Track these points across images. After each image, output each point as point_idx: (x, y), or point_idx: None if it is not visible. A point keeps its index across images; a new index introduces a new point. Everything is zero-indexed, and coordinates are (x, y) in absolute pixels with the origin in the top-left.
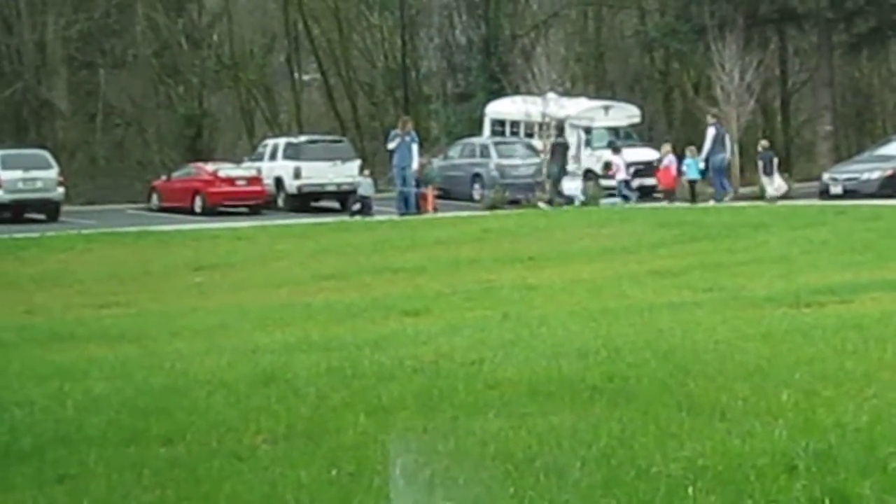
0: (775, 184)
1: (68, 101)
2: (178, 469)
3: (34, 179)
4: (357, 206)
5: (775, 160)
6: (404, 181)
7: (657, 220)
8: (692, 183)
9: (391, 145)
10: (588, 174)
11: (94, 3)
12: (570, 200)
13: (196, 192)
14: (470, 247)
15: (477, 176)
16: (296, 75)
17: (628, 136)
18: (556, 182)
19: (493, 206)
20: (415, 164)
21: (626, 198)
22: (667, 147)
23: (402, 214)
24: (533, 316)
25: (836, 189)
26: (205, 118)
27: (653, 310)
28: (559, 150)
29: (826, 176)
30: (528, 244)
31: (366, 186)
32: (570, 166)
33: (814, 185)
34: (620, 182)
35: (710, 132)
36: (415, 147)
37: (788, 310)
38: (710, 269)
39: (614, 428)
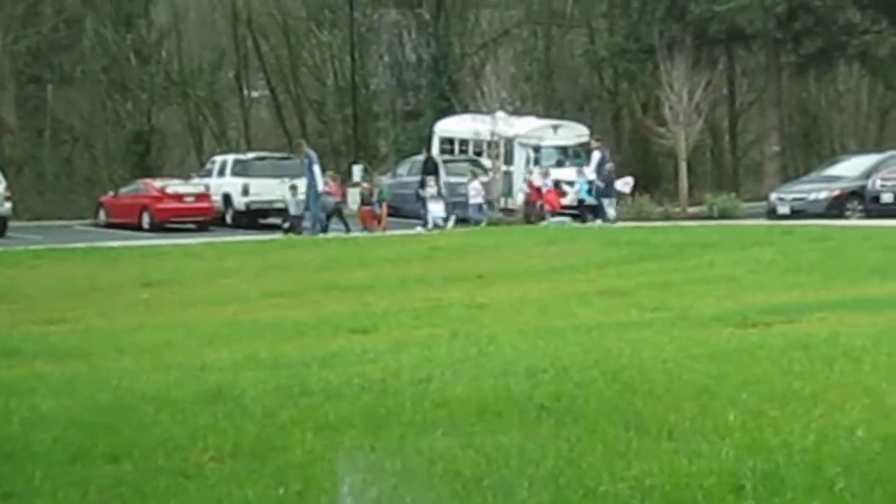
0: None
1: (16, 116)
2: (124, 487)
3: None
4: (286, 225)
5: (628, 182)
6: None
7: (605, 239)
8: (581, 203)
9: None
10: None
11: (42, 18)
12: (434, 223)
13: (144, 208)
14: (418, 265)
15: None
16: (244, 92)
17: (577, 155)
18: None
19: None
20: (319, 185)
21: (478, 221)
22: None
23: (311, 234)
24: (481, 334)
25: (784, 209)
26: (153, 134)
27: (601, 329)
28: (429, 168)
29: (773, 196)
30: (477, 262)
31: (293, 205)
32: (430, 188)
33: (761, 205)
34: (475, 206)
35: (596, 155)
36: (316, 168)
37: (735, 329)
38: (658, 288)
39: (562, 447)
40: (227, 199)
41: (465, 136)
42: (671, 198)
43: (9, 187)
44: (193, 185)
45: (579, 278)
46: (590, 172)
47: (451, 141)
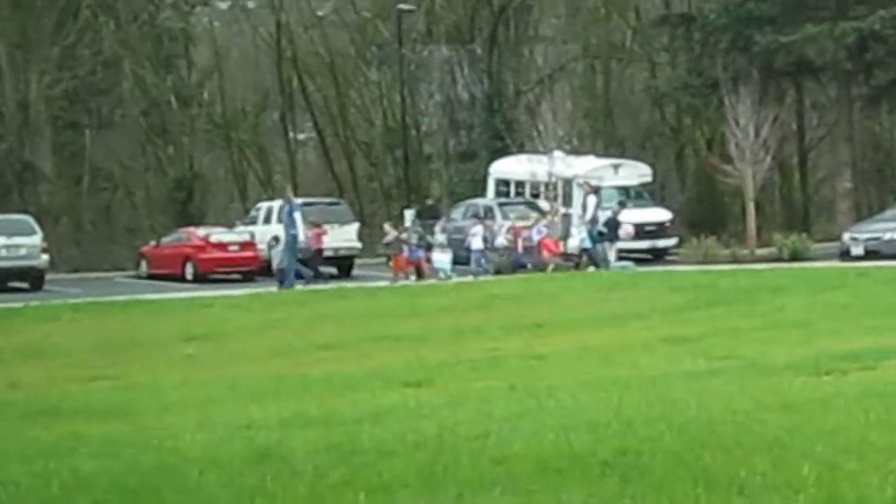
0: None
1: (53, 163)
2: None
3: (17, 246)
4: (280, 276)
5: (629, 231)
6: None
7: (670, 284)
8: (586, 251)
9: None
10: (601, 236)
11: (78, 61)
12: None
13: (187, 258)
14: (474, 314)
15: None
16: (290, 134)
17: (639, 195)
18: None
19: (498, 272)
20: (300, 234)
21: (484, 270)
22: (536, 215)
23: (289, 286)
24: (541, 386)
25: (858, 250)
26: (195, 180)
27: (666, 379)
28: (427, 215)
29: (846, 236)
30: (535, 310)
31: (277, 258)
32: (439, 236)
33: (834, 246)
34: (477, 252)
35: (591, 200)
36: (297, 215)
37: (808, 378)
38: (727, 335)
39: None
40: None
41: (521, 177)
42: (738, 239)
43: (45, 238)
44: (238, 234)
45: (643, 326)
46: (584, 219)
47: (506, 183)
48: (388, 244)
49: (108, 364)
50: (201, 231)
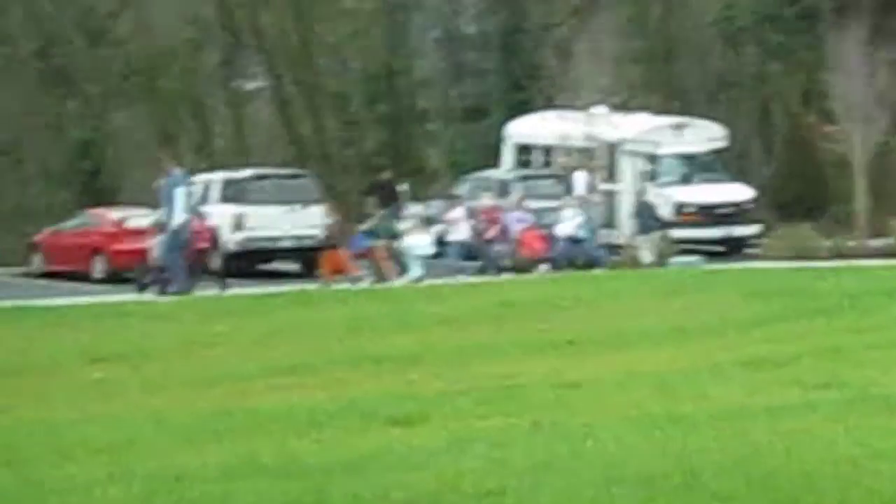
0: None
1: None
2: None
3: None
4: (148, 279)
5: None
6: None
7: (750, 287)
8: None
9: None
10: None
11: None
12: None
13: (95, 250)
14: (484, 327)
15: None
16: (235, 82)
17: (709, 166)
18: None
19: (517, 269)
20: (176, 217)
21: (492, 267)
22: (512, 198)
23: (170, 293)
24: (574, 425)
25: None
26: (107, 144)
27: (745, 415)
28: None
29: None
30: (566, 322)
31: (157, 248)
32: (410, 215)
33: None
34: (455, 245)
35: (580, 179)
36: (178, 192)
37: None
38: (827, 356)
39: None
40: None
41: (548, 141)
42: (844, 226)
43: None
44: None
45: (713, 344)
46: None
47: (528, 149)
48: (325, 231)
49: None
50: (114, 213)
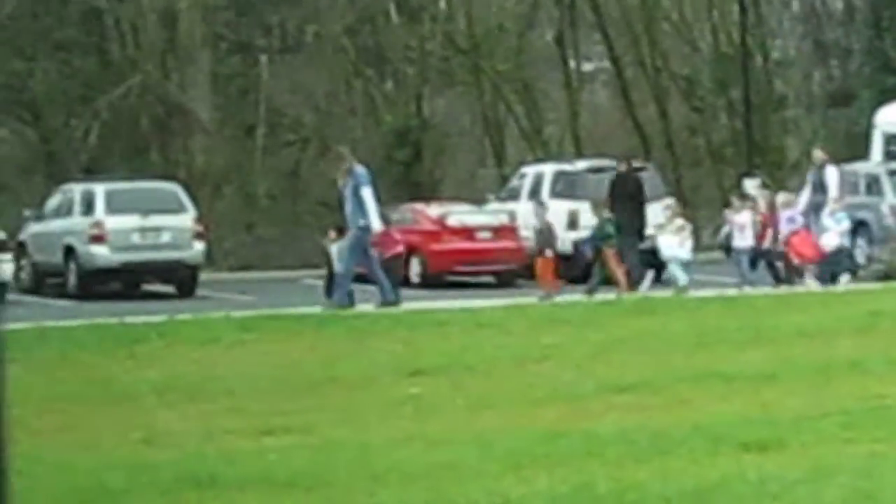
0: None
1: (212, 106)
2: None
3: (158, 230)
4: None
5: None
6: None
7: None
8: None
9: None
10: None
11: None
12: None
13: (412, 250)
14: (849, 341)
15: (861, 225)
16: (571, 63)
17: None
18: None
19: (887, 276)
20: (373, 223)
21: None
22: (786, 197)
23: (339, 302)
24: None
25: None
26: (425, 132)
27: None
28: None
29: None
30: None
31: (337, 257)
32: (663, 217)
33: None
34: (743, 252)
35: (833, 174)
36: (367, 193)
37: None
38: None
39: None
40: (543, 235)
41: None
42: None
43: (200, 218)
44: (491, 214)
45: None
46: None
47: None
48: (538, 234)
49: (291, 410)
50: (434, 209)
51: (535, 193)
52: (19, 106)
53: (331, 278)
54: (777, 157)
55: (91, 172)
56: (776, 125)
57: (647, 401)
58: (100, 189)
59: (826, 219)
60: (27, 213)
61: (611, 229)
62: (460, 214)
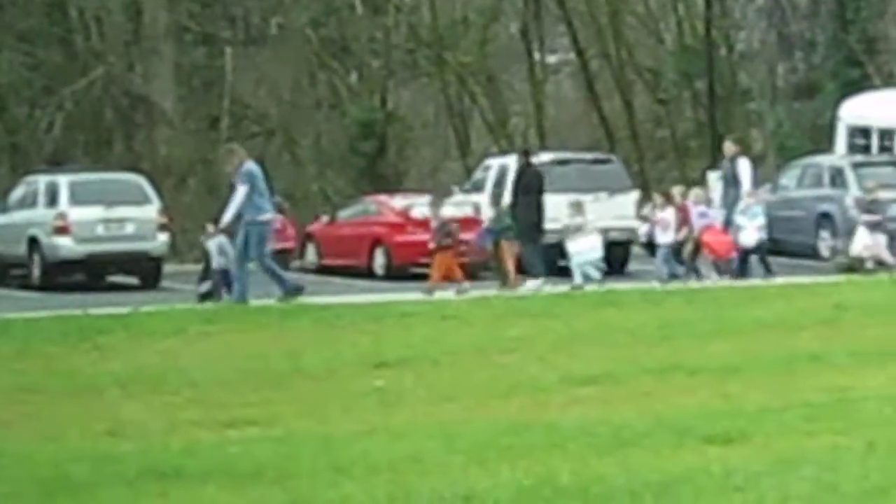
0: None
1: (176, 96)
2: None
3: (121, 221)
4: (205, 287)
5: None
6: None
7: None
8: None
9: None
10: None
11: None
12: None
13: (376, 241)
14: (812, 333)
15: (824, 217)
16: (536, 56)
17: None
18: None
19: (850, 269)
20: (266, 214)
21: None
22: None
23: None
24: None
25: None
26: (390, 124)
27: None
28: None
29: None
30: None
31: (220, 252)
32: (573, 215)
33: None
34: (664, 249)
35: (745, 165)
36: (240, 190)
37: None
38: None
39: None
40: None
41: (889, 124)
42: None
43: (165, 209)
44: (456, 206)
45: None
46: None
47: (866, 132)
48: (437, 230)
49: (254, 401)
50: (398, 201)
51: (499, 185)
52: None
53: (206, 273)
54: (741, 149)
55: (55, 164)
56: (740, 118)
57: (611, 393)
58: (64, 180)
59: (739, 217)
60: None
61: (508, 221)
62: (424, 206)
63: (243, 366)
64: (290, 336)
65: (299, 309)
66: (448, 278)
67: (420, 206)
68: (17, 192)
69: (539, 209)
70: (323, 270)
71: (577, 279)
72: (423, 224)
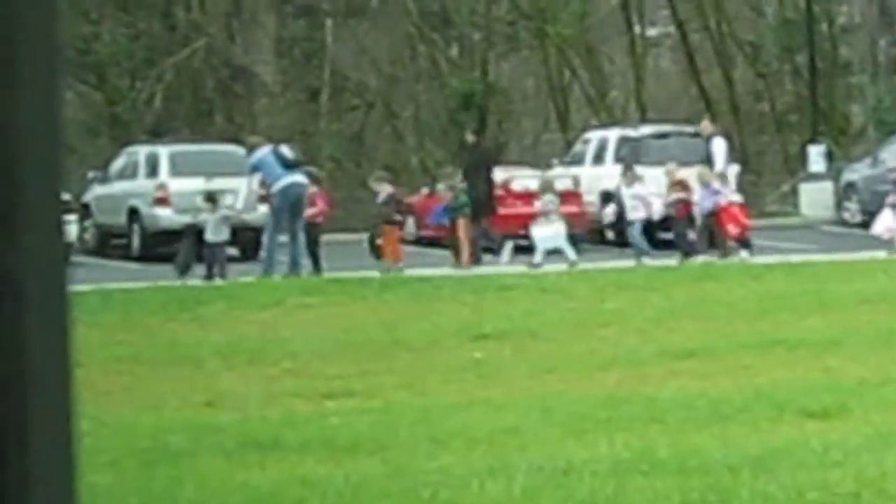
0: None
1: (276, 68)
2: None
3: (221, 192)
4: (179, 261)
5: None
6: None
7: None
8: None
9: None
10: None
11: None
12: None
13: None
14: None
15: None
16: (636, 29)
17: None
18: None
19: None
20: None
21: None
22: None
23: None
24: None
25: None
26: (490, 97)
27: None
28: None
29: None
30: None
31: (213, 225)
32: (547, 200)
33: None
34: (636, 224)
35: (720, 144)
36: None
37: None
38: None
39: None
40: (607, 198)
41: None
42: None
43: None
44: (556, 179)
45: None
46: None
47: None
48: (383, 204)
49: (353, 373)
50: (499, 173)
51: (598, 159)
52: (85, 69)
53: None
54: (842, 123)
55: (155, 135)
56: (841, 92)
57: (709, 367)
58: (164, 151)
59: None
60: (91, 174)
61: (465, 199)
62: (524, 179)
63: (342, 338)
64: (388, 308)
65: (398, 281)
66: (383, 254)
67: (522, 179)
68: (118, 163)
69: (489, 185)
70: (420, 241)
71: (538, 258)
72: (523, 196)
